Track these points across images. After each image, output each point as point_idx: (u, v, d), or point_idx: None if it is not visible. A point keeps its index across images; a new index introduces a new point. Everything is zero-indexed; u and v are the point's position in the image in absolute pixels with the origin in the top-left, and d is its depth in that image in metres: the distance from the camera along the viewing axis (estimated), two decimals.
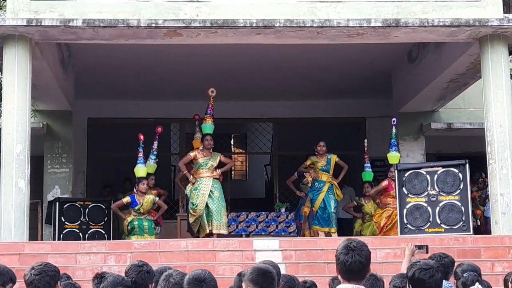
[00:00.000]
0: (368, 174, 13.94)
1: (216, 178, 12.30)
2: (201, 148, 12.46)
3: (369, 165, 13.97)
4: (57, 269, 4.90)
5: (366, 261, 4.01)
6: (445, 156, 15.72)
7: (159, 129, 13.42)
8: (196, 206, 12.08)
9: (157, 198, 12.95)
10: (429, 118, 15.77)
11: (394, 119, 13.44)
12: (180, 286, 4.29)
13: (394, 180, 12.62)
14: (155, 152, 13.32)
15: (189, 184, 12.39)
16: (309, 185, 13.66)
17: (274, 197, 17.24)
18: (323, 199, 13.24)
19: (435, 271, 4.50)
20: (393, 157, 13.01)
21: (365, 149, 14.14)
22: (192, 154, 12.50)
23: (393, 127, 13.29)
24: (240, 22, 10.72)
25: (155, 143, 13.35)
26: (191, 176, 12.36)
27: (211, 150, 12.45)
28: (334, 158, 13.45)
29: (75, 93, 15.17)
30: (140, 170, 12.76)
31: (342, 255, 4.00)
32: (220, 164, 12.55)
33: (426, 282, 4.45)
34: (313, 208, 13.35)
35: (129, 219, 12.56)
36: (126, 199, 12.66)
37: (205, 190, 12.14)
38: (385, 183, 13.06)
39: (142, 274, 5.05)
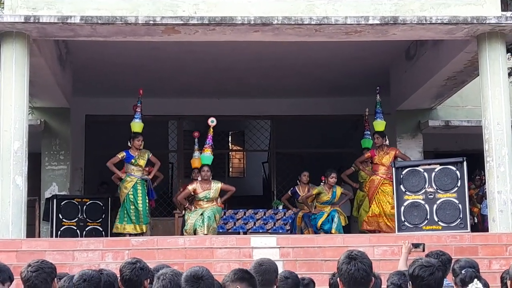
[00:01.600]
0: (367, 141, 14.24)
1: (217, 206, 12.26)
2: (199, 179, 12.37)
3: (368, 132, 14.24)
4: (54, 266, 4.90)
5: (370, 269, 3.97)
6: (443, 153, 15.75)
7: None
8: (187, 226, 12.09)
9: (151, 154, 12.90)
10: (427, 115, 15.78)
11: (378, 87, 13.70)
12: (173, 284, 4.29)
13: (379, 147, 12.90)
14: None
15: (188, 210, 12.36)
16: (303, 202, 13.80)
17: (271, 194, 17.24)
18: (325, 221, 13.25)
19: (435, 269, 4.48)
20: (379, 124, 13.31)
21: (366, 117, 14.47)
22: (191, 188, 12.36)
23: (377, 95, 13.60)
24: (238, 19, 10.71)
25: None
26: (192, 206, 12.29)
27: (210, 179, 12.35)
28: (339, 191, 13.54)
29: (72, 90, 15.16)
30: (137, 125, 12.80)
31: (345, 264, 3.95)
32: (222, 191, 12.47)
33: (425, 279, 4.44)
34: (316, 228, 13.30)
35: (128, 185, 12.46)
36: (122, 154, 12.57)
37: (199, 214, 12.10)
38: (367, 154, 13.36)
39: (136, 271, 5.05)
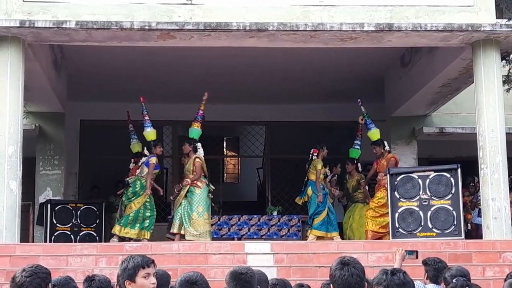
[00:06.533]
0: (354, 151, 14.14)
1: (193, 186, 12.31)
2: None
3: (358, 142, 14.11)
4: (48, 271, 4.87)
5: (363, 274, 3.96)
6: (437, 160, 15.78)
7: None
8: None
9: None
10: (422, 122, 15.80)
11: (359, 99, 13.56)
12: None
13: (380, 156, 12.92)
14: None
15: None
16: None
17: (266, 200, 17.23)
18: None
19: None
20: (372, 134, 13.27)
21: (359, 126, 14.22)
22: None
23: (361, 107, 13.49)
24: (234, 25, 10.71)
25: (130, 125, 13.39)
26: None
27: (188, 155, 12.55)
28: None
29: (67, 95, 15.15)
30: (152, 133, 12.85)
31: (338, 270, 3.92)
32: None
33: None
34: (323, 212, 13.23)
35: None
36: (155, 160, 12.57)
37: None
38: (374, 165, 13.22)
39: None
